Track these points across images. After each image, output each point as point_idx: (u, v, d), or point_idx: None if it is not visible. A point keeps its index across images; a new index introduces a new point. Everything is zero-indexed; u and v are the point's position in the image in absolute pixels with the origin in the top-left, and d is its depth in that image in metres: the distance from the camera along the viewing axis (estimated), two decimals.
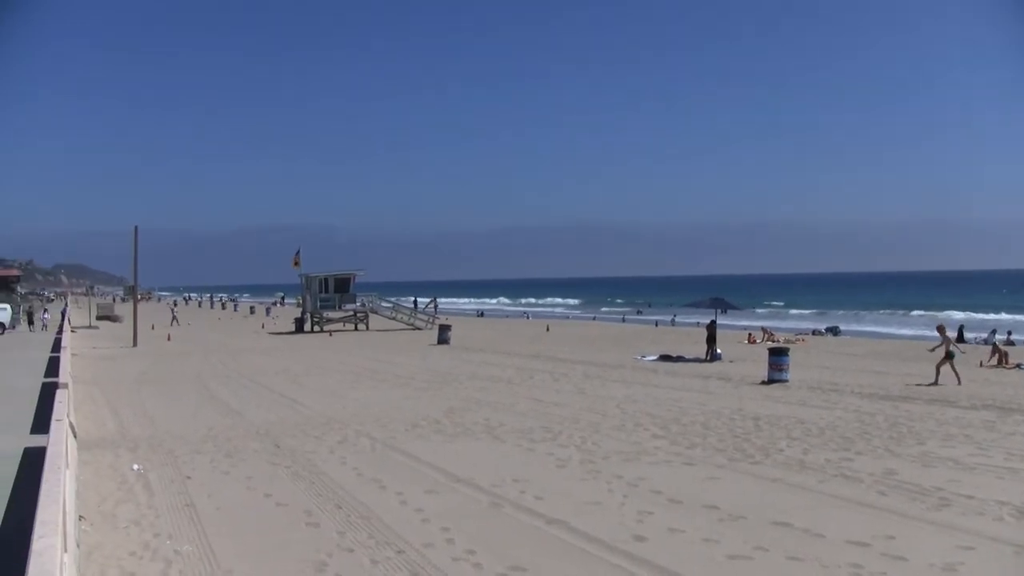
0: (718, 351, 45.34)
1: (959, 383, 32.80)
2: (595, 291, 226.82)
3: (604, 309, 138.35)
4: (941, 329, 35.70)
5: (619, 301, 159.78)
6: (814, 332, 72.10)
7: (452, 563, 13.08)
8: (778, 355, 35.45)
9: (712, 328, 46.14)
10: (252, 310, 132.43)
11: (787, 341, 54.54)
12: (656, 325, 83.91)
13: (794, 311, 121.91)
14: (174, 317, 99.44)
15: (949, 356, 33.78)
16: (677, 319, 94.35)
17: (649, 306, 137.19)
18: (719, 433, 23.53)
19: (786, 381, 34.23)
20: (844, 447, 21.32)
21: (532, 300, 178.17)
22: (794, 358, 37.13)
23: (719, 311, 52.27)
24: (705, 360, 44.56)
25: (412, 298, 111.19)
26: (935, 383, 33.09)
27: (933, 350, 36.49)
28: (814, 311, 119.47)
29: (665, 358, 46.21)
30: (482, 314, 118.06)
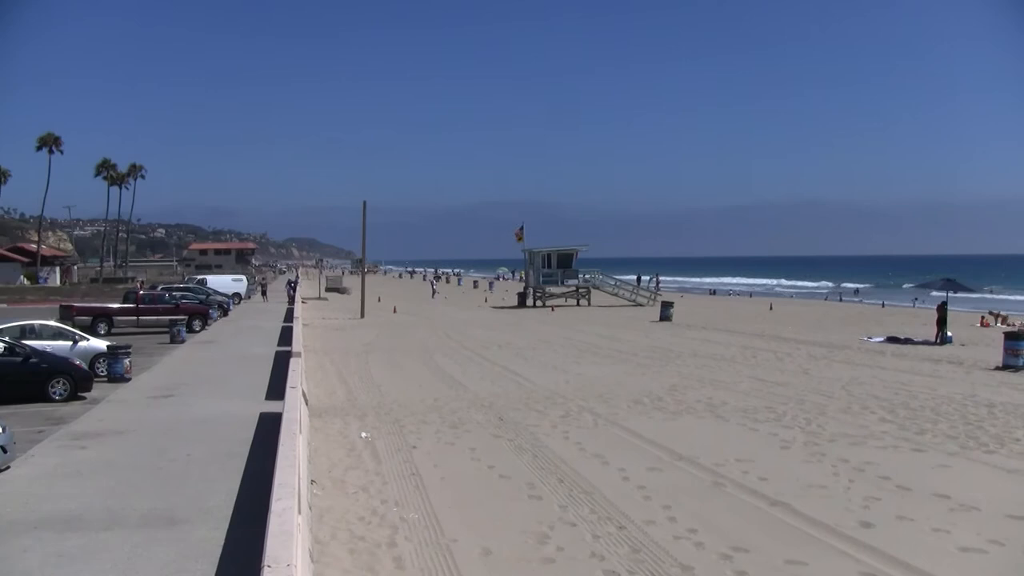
0: (948, 334, 43.72)
1: None
2: (819, 269, 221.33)
3: (823, 288, 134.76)
4: None
5: (827, 282, 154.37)
6: None
7: (673, 541, 13.04)
8: (1015, 339, 33.99)
9: (943, 310, 44.51)
10: (475, 284, 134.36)
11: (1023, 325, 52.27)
12: (883, 305, 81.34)
13: None
14: (434, 291, 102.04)
15: None
16: (892, 300, 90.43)
17: (877, 286, 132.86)
18: (950, 419, 22.73)
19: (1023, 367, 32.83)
20: None
21: (755, 279, 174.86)
22: None
23: (950, 292, 50.22)
24: (935, 343, 43.08)
25: (635, 275, 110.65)
26: None
27: None
28: None
29: (892, 340, 44.92)
30: (714, 292, 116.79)
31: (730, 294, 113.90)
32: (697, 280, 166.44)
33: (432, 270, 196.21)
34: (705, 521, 13.95)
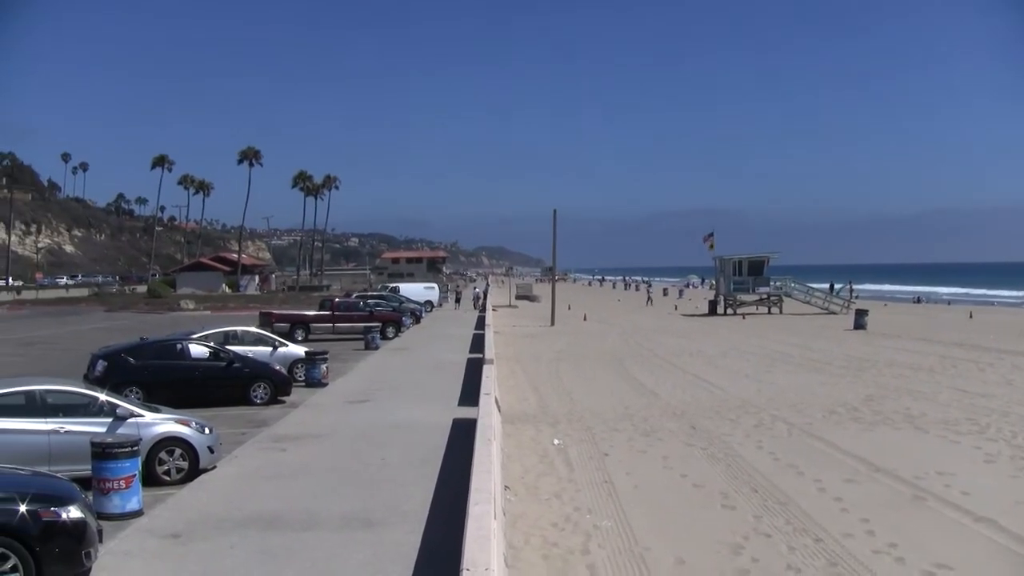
0: None
1: None
2: (1018, 277, 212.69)
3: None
4: None
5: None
6: None
7: (873, 555, 12.72)
8: None
9: None
10: (665, 292, 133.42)
11: None
12: None
13: None
14: (649, 297, 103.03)
15: None
16: None
17: None
18: None
19: None
20: None
21: (950, 287, 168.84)
22: None
23: None
24: None
25: (827, 283, 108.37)
26: None
27: None
28: None
29: None
30: (919, 300, 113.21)
31: (926, 302, 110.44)
32: (889, 287, 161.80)
33: (646, 279, 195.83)
34: (905, 536, 13.57)
